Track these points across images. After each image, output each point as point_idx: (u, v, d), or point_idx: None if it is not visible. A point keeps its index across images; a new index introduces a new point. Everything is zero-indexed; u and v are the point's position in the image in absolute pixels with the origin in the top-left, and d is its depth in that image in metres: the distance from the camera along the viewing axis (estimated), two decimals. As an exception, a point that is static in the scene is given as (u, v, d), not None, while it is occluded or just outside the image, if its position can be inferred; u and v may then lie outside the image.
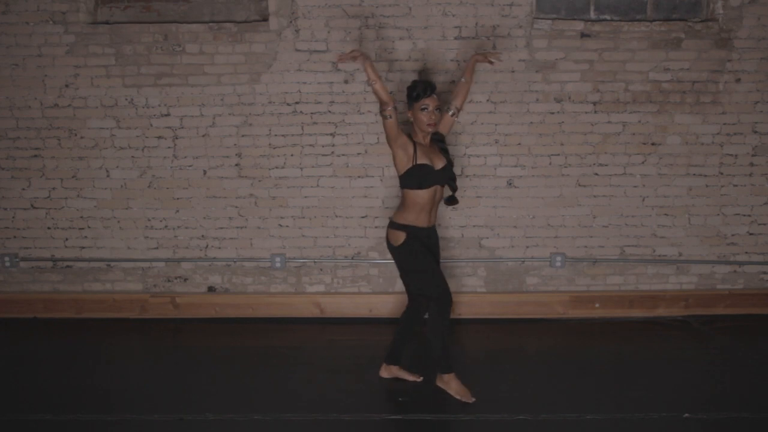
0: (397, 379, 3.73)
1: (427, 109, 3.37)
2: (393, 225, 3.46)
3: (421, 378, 3.71)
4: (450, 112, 3.58)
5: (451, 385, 3.51)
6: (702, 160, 4.62)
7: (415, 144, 3.40)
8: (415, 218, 3.42)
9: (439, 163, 3.43)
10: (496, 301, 4.74)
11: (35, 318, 4.78)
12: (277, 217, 4.68)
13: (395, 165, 3.41)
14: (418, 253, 3.42)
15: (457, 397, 3.47)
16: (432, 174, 3.38)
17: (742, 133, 4.58)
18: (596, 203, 4.66)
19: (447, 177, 3.45)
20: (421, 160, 3.37)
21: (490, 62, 3.63)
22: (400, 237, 3.42)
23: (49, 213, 4.71)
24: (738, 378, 3.78)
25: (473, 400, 3.44)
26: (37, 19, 4.46)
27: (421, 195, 3.39)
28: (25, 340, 4.44)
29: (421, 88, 3.38)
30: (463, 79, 3.62)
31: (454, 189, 3.50)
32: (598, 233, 4.71)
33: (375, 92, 3.33)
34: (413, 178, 3.36)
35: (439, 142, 3.52)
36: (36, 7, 4.44)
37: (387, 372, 3.75)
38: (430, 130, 3.42)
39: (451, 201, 3.50)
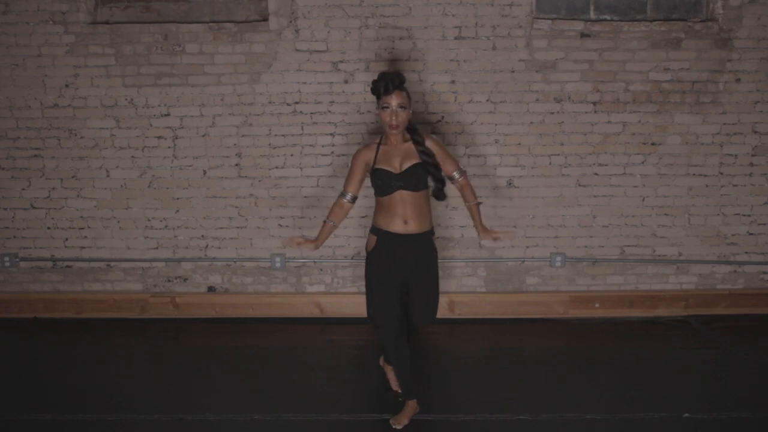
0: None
1: (388, 107, 3.02)
2: (370, 229, 3.28)
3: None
4: (455, 173, 3.24)
5: (406, 409, 3.29)
6: (702, 160, 4.62)
7: (378, 147, 3.16)
8: (387, 223, 3.16)
9: (406, 164, 3.11)
10: (496, 301, 4.75)
11: (35, 318, 4.78)
12: (277, 217, 4.68)
13: None
14: (374, 271, 3.23)
15: (395, 418, 3.25)
16: (390, 179, 3.08)
17: (742, 133, 4.58)
18: (596, 203, 4.66)
19: (414, 179, 3.09)
20: (380, 164, 3.12)
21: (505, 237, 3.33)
22: (372, 241, 3.25)
23: (49, 213, 4.71)
24: (738, 378, 3.78)
25: (398, 427, 3.22)
26: (37, 19, 4.46)
27: (386, 200, 3.14)
28: (26, 341, 4.44)
29: (382, 84, 3.01)
30: (472, 204, 3.31)
31: (436, 183, 3.15)
32: (598, 233, 4.71)
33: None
34: (373, 183, 3.17)
35: (417, 144, 3.15)
36: (36, 7, 4.44)
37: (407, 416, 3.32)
38: (393, 132, 3.06)
39: (437, 196, 3.20)
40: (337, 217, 3.27)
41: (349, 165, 3.25)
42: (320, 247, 3.34)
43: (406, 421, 3.27)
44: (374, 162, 3.15)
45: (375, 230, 3.24)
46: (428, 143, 3.17)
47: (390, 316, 3.20)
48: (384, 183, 3.10)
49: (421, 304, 3.31)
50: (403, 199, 3.12)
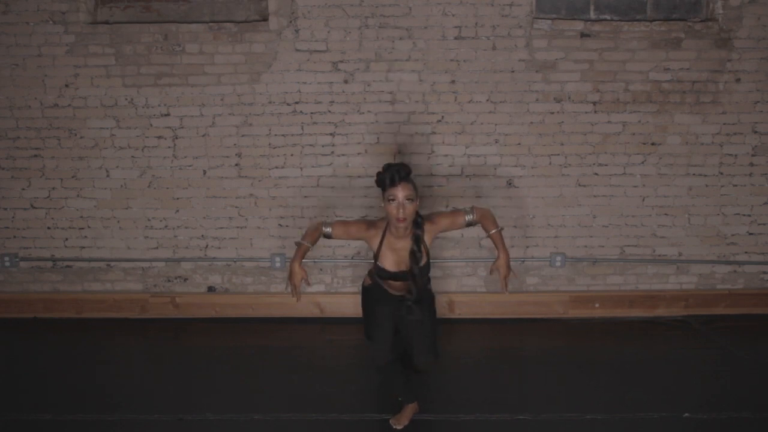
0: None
1: (394, 200, 2.85)
2: (369, 271, 3.20)
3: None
4: (467, 218, 3.05)
5: (406, 410, 3.31)
6: (702, 160, 4.62)
7: (384, 235, 3.01)
8: (388, 285, 3.12)
9: (403, 265, 3.00)
10: (496, 300, 4.75)
11: (35, 318, 4.78)
12: (277, 216, 4.68)
13: None
14: (369, 303, 3.19)
15: (395, 418, 3.28)
16: (392, 275, 3.02)
17: (741, 133, 4.58)
18: (596, 203, 4.66)
19: (410, 278, 2.98)
20: (383, 260, 3.02)
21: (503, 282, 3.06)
22: (366, 281, 3.21)
23: (49, 213, 4.71)
24: (738, 378, 3.78)
25: (398, 427, 3.25)
26: (37, 19, 4.46)
27: (385, 281, 3.10)
28: (26, 340, 4.44)
29: (387, 176, 2.84)
30: (492, 232, 3.06)
31: (413, 294, 3.00)
32: (598, 233, 4.71)
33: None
34: (375, 272, 3.08)
35: (416, 235, 2.98)
36: (36, 7, 4.44)
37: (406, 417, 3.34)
38: (400, 225, 2.89)
39: (410, 295, 3.02)
40: (312, 239, 3.13)
41: (353, 219, 3.19)
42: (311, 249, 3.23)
43: (406, 422, 3.28)
44: (378, 249, 3.03)
45: (372, 276, 3.18)
46: (428, 228, 3.03)
47: (383, 337, 3.17)
48: (385, 278, 3.06)
49: (416, 347, 3.16)
50: (401, 283, 3.08)
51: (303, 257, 3.10)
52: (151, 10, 4.59)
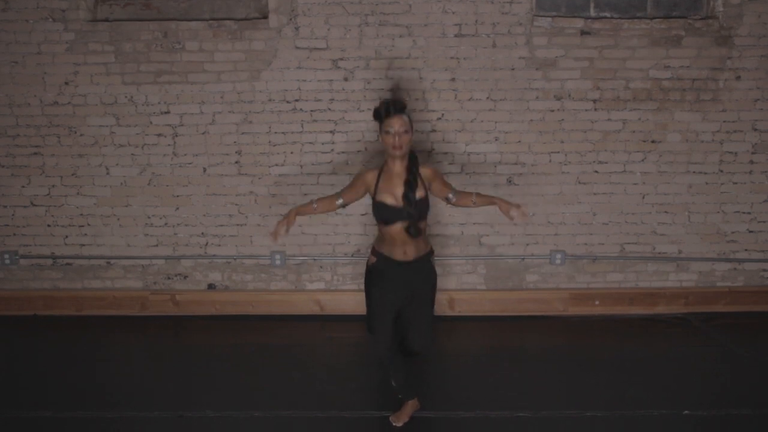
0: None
1: (390, 131, 2.99)
2: (372, 249, 3.25)
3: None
4: (449, 195, 3.17)
5: (406, 407, 3.35)
6: (702, 158, 4.62)
7: (380, 173, 3.12)
8: (388, 250, 3.14)
9: (401, 199, 3.04)
10: (496, 298, 4.75)
11: (35, 315, 4.78)
12: (276, 214, 4.68)
13: None
14: (373, 284, 3.19)
15: (395, 415, 3.33)
16: (392, 212, 3.05)
17: (742, 130, 4.58)
18: (596, 201, 4.66)
19: (406, 212, 3.03)
20: (381, 195, 3.07)
21: (510, 217, 3.10)
22: (371, 260, 3.22)
23: (49, 210, 4.71)
24: (738, 375, 3.78)
25: (398, 424, 3.30)
26: (36, 17, 4.45)
27: (386, 230, 3.09)
28: (25, 338, 4.44)
29: (383, 108, 3.03)
30: (473, 199, 3.19)
31: (411, 219, 3.03)
32: (598, 230, 4.71)
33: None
34: (375, 214, 3.12)
35: (409, 172, 3.08)
36: (36, 4, 4.43)
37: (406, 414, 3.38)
38: (397, 153, 3.02)
39: (409, 232, 3.04)
40: (323, 207, 3.26)
41: (351, 179, 3.26)
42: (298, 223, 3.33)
43: (406, 419, 3.29)
44: (375, 190, 3.11)
45: (375, 253, 3.21)
46: (423, 171, 3.13)
47: (384, 328, 3.19)
48: (388, 216, 3.07)
49: (415, 329, 3.23)
50: (399, 228, 3.08)
51: (302, 214, 3.24)
52: (150, 7, 4.59)
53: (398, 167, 3.08)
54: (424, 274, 3.19)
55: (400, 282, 3.15)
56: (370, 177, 3.15)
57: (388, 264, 3.15)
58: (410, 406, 3.33)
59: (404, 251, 3.10)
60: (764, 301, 4.78)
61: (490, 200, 3.15)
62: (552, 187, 4.65)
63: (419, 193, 3.05)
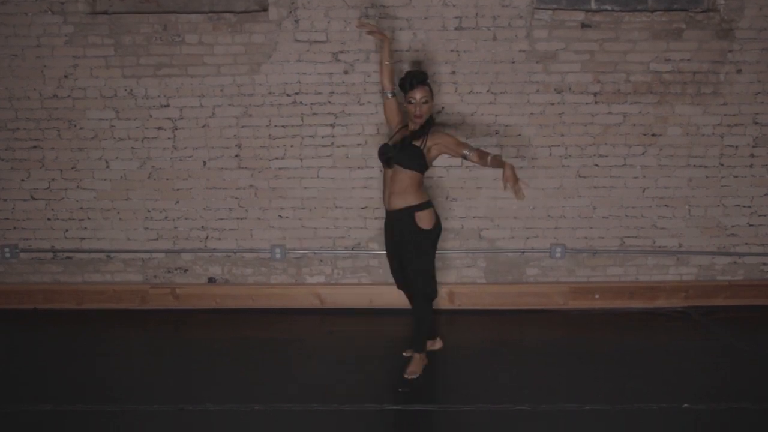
0: (403, 365, 3.78)
1: (413, 101, 3.46)
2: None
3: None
4: (465, 152, 3.43)
5: (416, 360, 3.73)
6: (702, 151, 4.61)
7: (402, 127, 3.63)
8: (383, 198, 3.65)
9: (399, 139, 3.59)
10: (496, 292, 4.75)
11: (35, 309, 4.78)
12: (277, 208, 4.68)
13: None
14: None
15: (407, 371, 3.69)
16: (381, 149, 3.57)
17: (742, 124, 4.57)
18: (596, 194, 4.66)
19: (391, 152, 3.49)
20: (391, 139, 3.64)
21: (514, 191, 3.25)
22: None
23: (49, 204, 4.71)
24: (737, 369, 3.79)
25: (413, 377, 3.65)
26: (35, 10, 4.44)
27: (383, 175, 3.64)
28: (26, 332, 4.45)
29: (407, 80, 3.46)
30: (488, 160, 3.36)
31: (389, 157, 3.51)
32: (598, 224, 4.71)
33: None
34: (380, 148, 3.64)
35: (415, 134, 3.53)
36: (34, -3, 4.42)
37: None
38: (417, 121, 3.50)
39: (387, 162, 3.52)
40: (386, 56, 3.66)
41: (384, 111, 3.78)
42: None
43: (419, 371, 3.66)
44: (393, 135, 3.67)
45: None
46: (434, 136, 3.52)
47: (396, 280, 3.84)
48: (379, 154, 3.58)
49: (407, 275, 3.65)
50: (389, 175, 3.54)
51: (383, 52, 3.68)
52: (150, 0, 4.57)
53: (414, 127, 3.55)
54: (402, 225, 3.56)
55: (388, 229, 3.68)
56: (398, 122, 3.68)
57: (387, 215, 3.68)
58: (421, 358, 3.72)
59: (389, 199, 3.56)
60: (764, 294, 4.78)
61: (501, 164, 3.34)
62: (552, 181, 4.64)
63: (414, 143, 3.48)
